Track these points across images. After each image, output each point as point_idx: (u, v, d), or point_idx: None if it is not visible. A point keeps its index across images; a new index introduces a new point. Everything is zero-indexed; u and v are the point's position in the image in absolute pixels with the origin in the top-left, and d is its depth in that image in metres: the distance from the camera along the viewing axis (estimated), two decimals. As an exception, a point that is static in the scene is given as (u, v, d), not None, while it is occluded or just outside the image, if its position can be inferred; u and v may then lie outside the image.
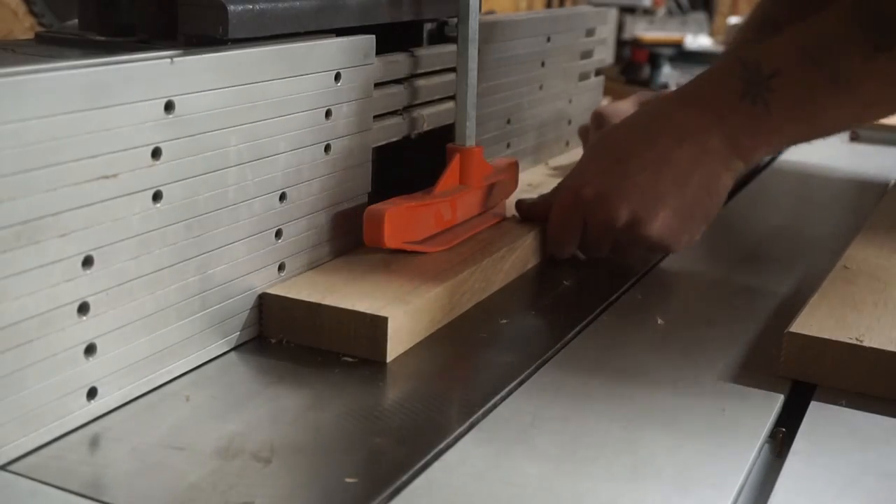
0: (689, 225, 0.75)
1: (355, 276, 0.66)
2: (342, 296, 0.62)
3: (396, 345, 0.61)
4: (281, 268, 0.65)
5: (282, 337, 0.62)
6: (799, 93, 0.72)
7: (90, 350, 0.51)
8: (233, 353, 0.61)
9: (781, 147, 0.78)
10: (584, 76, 1.13)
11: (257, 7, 0.59)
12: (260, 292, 0.62)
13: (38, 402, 0.48)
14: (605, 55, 1.18)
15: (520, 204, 0.81)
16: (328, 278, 0.66)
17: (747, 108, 0.72)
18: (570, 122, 1.11)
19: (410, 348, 0.63)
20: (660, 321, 0.68)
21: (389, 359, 0.60)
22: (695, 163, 0.73)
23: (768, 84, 0.72)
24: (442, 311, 0.66)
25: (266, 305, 0.62)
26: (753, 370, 0.60)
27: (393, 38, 0.74)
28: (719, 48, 2.24)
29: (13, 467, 0.47)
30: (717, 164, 0.73)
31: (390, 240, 0.69)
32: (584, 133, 1.01)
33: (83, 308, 0.50)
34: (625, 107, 0.95)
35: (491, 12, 1.09)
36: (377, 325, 0.60)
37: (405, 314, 0.62)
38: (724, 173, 0.74)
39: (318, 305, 0.61)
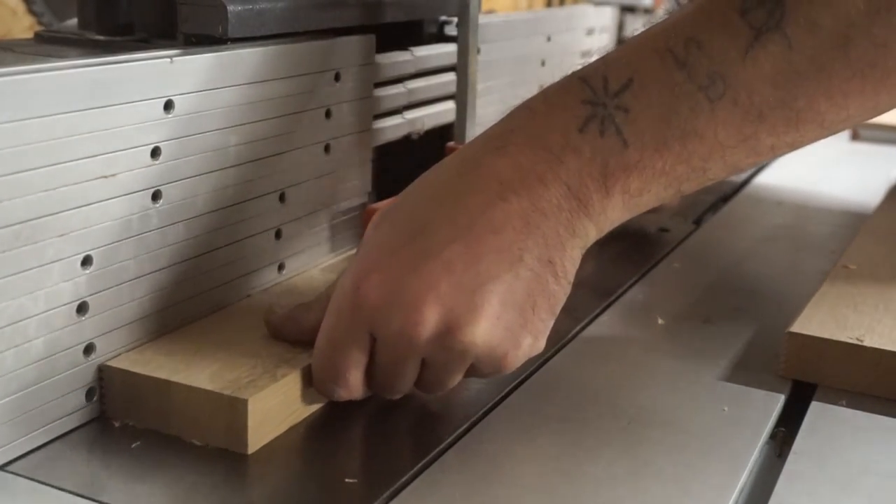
0: (528, 321, 0.50)
1: (233, 334, 0.56)
2: (199, 369, 0.51)
3: (264, 431, 0.50)
4: (281, 268, 0.65)
5: (126, 420, 0.51)
6: (663, 109, 0.49)
7: (89, 350, 0.51)
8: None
9: (646, 200, 0.51)
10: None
11: (257, 6, 0.59)
12: (99, 363, 0.52)
13: (37, 401, 0.48)
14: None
15: (271, 321, 0.56)
16: (197, 340, 0.55)
17: (593, 139, 0.49)
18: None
19: (290, 430, 0.52)
20: (660, 321, 0.68)
21: (252, 450, 0.49)
22: (527, 227, 0.49)
23: (619, 101, 0.49)
24: None
25: (106, 380, 0.51)
26: (753, 370, 0.60)
27: (393, 38, 0.74)
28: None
29: (13, 467, 0.47)
30: (559, 227, 0.50)
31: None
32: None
33: (82, 308, 0.50)
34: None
35: (491, 12, 1.09)
36: (235, 409, 0.48)
37: (276, 392, 0.50)
38: (570, 241, 0.50)
39: (168, 383, 0.50)
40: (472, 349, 0.49)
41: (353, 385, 0.51)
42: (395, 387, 0.52)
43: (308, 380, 0.52)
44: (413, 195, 0.52)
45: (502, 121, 0.53)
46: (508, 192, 0.49)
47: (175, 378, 0.50)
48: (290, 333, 0.55)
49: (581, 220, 0.50)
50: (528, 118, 0.52)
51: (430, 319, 0.48)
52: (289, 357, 0.53)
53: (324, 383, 0.52)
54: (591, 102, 0.50)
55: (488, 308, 0.49)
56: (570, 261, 0.51)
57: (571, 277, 0.51)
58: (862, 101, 0.49)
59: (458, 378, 0.52)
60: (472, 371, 0.52)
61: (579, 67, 0.51)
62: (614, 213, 0.51)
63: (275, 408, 0.50)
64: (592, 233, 0.51)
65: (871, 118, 0.52)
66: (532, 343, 0.51)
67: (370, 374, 0.51)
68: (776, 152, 0.52)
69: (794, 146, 0.51)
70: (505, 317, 0.49)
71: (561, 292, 0.51)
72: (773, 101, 0.49)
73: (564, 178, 0.49)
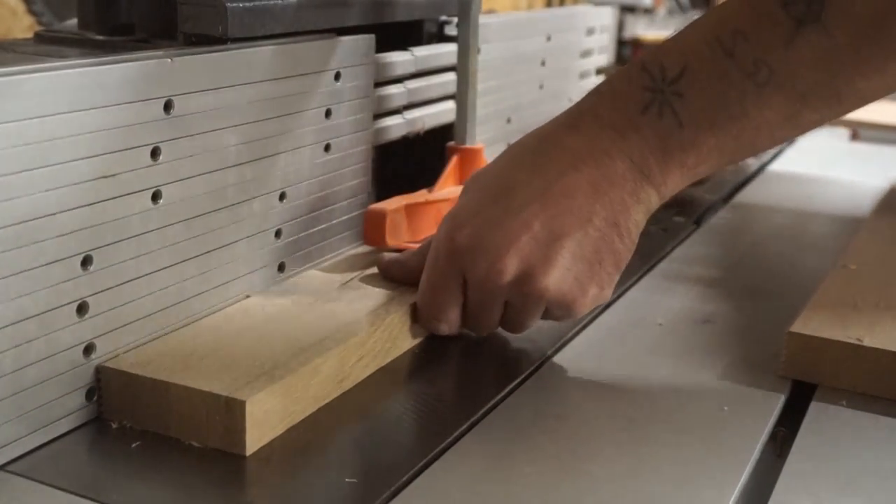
0: (596, 274, 0.58)
1: (231, 335, 0.56)
2: (197, 371, 0.51)
3: (262, 432, 0.50)
4: (281, 268, 0.65)
5: (123, 421, 0.51)
6: (714, 94, 0.56)
7: (89, 350, 0.51)
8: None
9: (702, 170, 0.58)
10: (584, 76, 1.13)
11: (257, 6, 0.59)
12: (97, 364, 0.51)
13: (37, 401, 0.48)
14: (605, 54, 1.17)
15: (381, 262, 0.65)
16: (196, 341, 0.55)
17: (652, 121, 0.56)
18: (570, 122, 1.11)
19: (290, 430, 0.51)
20: (660, 321, 0.68)
21: (250, 451, 0.49)
22: (596, 193, 0.57)
23: (675, 88, 0.56)
24: (330, 383, 0.54)
25: (104, 382, 0.51)
26: (753, 370, 0.60)
27: (393, 38, 0.74)
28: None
29: (13, 467, 0.47)
30: (624, 194, 0.57)
31: (391, 239, 0.69)
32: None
33: (82, 308, 0.50)
34: None
35: (491, 12, 1.09)
36: (233, 411, 0.48)
37: (274, 393, 0.50)
38: (634, 206, 0.58)
39: (166, 384, 0.50)
40: (545, 294, 0.57)
41: (453, 320, 0.60)
42: (484, 323, 0.60)
43: (307, 381, 0.52)
44: (499, 163, 0.61)
45: (576, 104, 0.60)
46: (580, 163, 0.57)
47: (173, 379, 0.50)
48: (397, 274, 0.64)
49: (644, 188, 0.57)
50: (596, 101, 0.59)
51: (510, 267, 0.57)
52: (284, 360, 0.52)
53: (427, 319, 0.60)
54: (651, 89, 0.57)
55: (560, 260, 0.57)
56: (634, 223, 0.58)
57: (636, 237, 0.59)
58: None
59: (535, 319, 0.60)
60: (547, 314, 0.59)
61: (640, 55, 0.59)
62: (673, 182, 0.58)
63: (273, 409, 0.50)
64: (655, 199, 0.58)
65: None
66: (598, 293, 0.59)
67: (464, 313, 0.60)
68: (820, 125, 0.58)
69: (836, 118, 0.58)
70: (574, 268, 0.57)
71: (625, 250, 0.58)
72: (814, 84, 0.55)
73: (628, 152, 0.57)
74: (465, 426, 0.52)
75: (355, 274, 0.66)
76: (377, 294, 0.63)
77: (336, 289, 0.64)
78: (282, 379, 0.51)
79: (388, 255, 0.65)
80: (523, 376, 0.58)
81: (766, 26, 0.54)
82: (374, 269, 0.66)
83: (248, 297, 0.62)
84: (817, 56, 0.54)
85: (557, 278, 0.57)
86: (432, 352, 0.61)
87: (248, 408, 0.48)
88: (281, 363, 0.52)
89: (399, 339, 0.60)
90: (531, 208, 0.57)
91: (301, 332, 0.56)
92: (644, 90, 0.57)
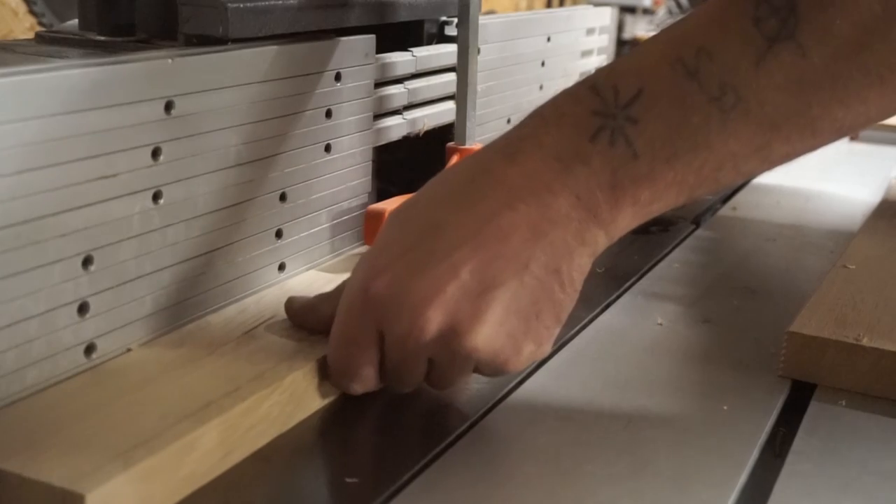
0: (532, 329, 0.50)
1: (96, 402, 0.47)
2: (41, 451, 0.42)
3: None
4: (281, 268, 0.65)
5: None
6: (673, 120, 0.48)
7: (90, 350, 0.51)
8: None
9: (657, 208, 0.50)
10: (584, 76, 1.13)
11: (258, 6, 0.59)
12: None
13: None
14: (604, 55, 1.17)
15: (290, 307, 0.58)
16: (54, 410, 0.46)
17: (603, 150, 0.49)
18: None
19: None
20: (660, 321, 0.68)
21: None
22: (535, 235, 0.49)
23: (629, 113, 0.49)
24: (211, 459, 0.46)
25: None
26: (753, 370, 0.60)
27: (393, 38, 0.74)
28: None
29: (13, 467, 0.47)
30: (567, 236, 0.49)
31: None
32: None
33: (83, 308, 0.50)
34: None
35: (491, 12, 1.09)
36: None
37: (128, 480, 0.41)
38: (579, 250, 0.50)
39: None
40: (474, 353, 0.50)
41: (367, 379, 0.52)
42: (405, 382, 0.52)
43: (179, 459, 0.44)
44: (424, 198, 0.53)
45: (515, 128, 0.52)
46: (516, 200, 0.49)
47: (6, 465, 0.41)
48: (308, 322, 0.56)
49: (590, 229, 0.50)
50: (538, 126, 0.51)
51: (434, 321, 0.49)
52: (151, 435, 0.44)
53: (339, 378, 0.53)
54: (601, 113, 0.49)
55: (491, 314, 0.49)
56: (578, 269, 0.51)
57: (579, 286, 0.51)
58: (881, 104, 0.48)
59: (463, 377, 0.53)
60: (476, 370, 0.52)
61: (590, 74, 0.51)
62: (624, 221, 0.50)
63: (127, 500, 0.41)
64: (602, 241, 0.51)
65: (893, 116, 0.51)
66: (535, 350, 0.51)
67: (382, 368, 0.52)
68: (792, 159, 0.51)
69: (811, 151, 0.50)
70: (508, 323, 0.50)
71: (567, 300, 0.51)
72: (787, 111, 0.48)
73: (573, 187, 0.49)
74: (465, 426, 0.53)
75: (262, 321, 0.58)
76: (281, 346, 0.54)
77: (235, 339, 0.55)
78: (142, 461, 0.42)
79: (297, 300, 0.57)
80: (523, 376, 0.58)
81: (734, 45, 0.47)
82: (278, 316, 0.58)
83: (129, 350, 0.53)
84: (791, 79, 0.47)
85: (488, 335, 0.49)
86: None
87: (89, 502, 0.40)
88: (145, 439, 0.43)
89: (305, 401, 0.52)
90: (459, 253, 0.49)
91: (182, 396, 0.48)
92: (593, 114, 0.49)
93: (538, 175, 0.49)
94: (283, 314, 0.58)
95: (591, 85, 0.50)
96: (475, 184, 0.51)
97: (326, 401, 0.53)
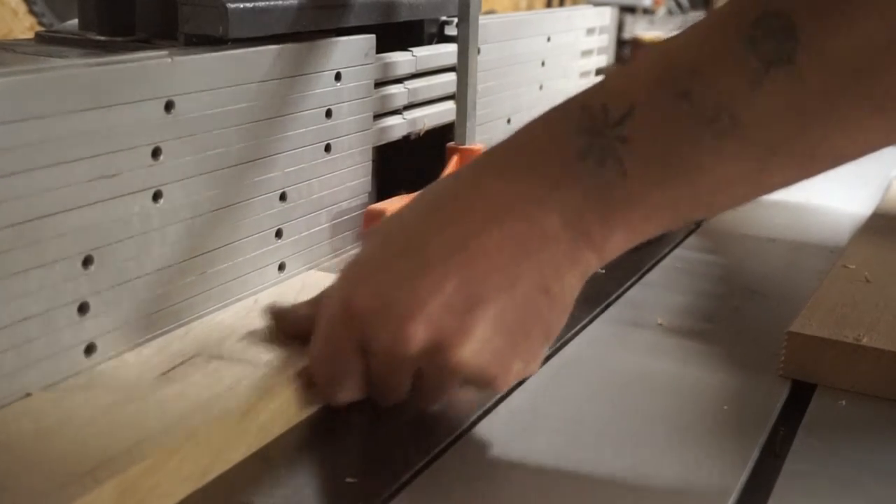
0: (519, 347, 0.49)
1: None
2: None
3: None
4: (281, 268, 0.65)
5: None
6: (665, 141, 0.46)
7: (90, 349, 0.51)
8: None
9: (651, 230, 0.49)
10: (584, 76, 1.13)
11: (258, 6, 0.59)
12: None
13: (38, 401, 0.48)
14: (604, 55, 1.18)
15: (270, 312, 0.56)
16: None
17: (592, 169, 0.47)
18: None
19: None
20: (660, 321, 0.68)
21: None
22: (523, 253, 0.48)
23: (619, 132, 0.47)
24: None
25: None
26: (753, 370, 0.60)
27: (393, 38, 0.74)
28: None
29: (13, 467, 0.47)
30: (556, 255, 0.48)
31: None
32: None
33: (83, 308, 0.50)
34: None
35: (491, 12, 1.09)
36: None
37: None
38: (569, 270, 0.49)
39: None
40: (460, 368, 0.49)
41: (352, 390, 0.51)
42: (388, 395, 0.51)
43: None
44: (409, 211, 0.52)
45: (504, 142, 0.51)
46: (504, 216, 0.48)
47: None
48: (286, 323, 0.55)
49: (582, 249, 0.48)
50: (527, 142, 0.50)
51: (418, 336, 0.48)
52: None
53: (323, 389, 0.52)
54: (590, 131, 0.47)
55: (477, 331, 0.48)
56: (569, 289, 0.49)
57: (569, 305, 0.50)
58: (884, 134, 0.46)
59: (448, 392, 0.52)
60: (463, 385, 0.51)
61: (581, 91, 0.49)
62: (616, 243, 0.49)
63: None
64: (594, 262, 0.49)
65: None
66: (523, 367, 0.51)
67: (367, 377, 0.51)
68: (789, 185, 0.49)
69: (808, 178, 0.48)
70: (495, 341, 0.48)
71: (556, 320, 0.50)
72: (783, 138, 0.46)
73: (562, 206, 0.48)
74: (465, 426, 0.53)
75: (182, 359, 0.52)
76: (201, 389, 0.49)
77: (152, 380, 0.50)
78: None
79: (279, 308, 0.55)
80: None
81: (729, 67, 0.45)
82: (204, 354, 0.53)
83: (28, 395, 0.47)
84: (788, 104, 0.44)
85: (474, 350, 0.48)
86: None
87: None
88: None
89: (224, 453, 0.46)
90: (445, 267, 0.47)
91: (77, 452, 0.42)
92: (582, 132, 0.47)
93: (526, 191, 0.48)
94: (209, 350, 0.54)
95: (582, 102, 0.49)
96: (462, 198, 0.50)
97: (248, 453, 0.48)
